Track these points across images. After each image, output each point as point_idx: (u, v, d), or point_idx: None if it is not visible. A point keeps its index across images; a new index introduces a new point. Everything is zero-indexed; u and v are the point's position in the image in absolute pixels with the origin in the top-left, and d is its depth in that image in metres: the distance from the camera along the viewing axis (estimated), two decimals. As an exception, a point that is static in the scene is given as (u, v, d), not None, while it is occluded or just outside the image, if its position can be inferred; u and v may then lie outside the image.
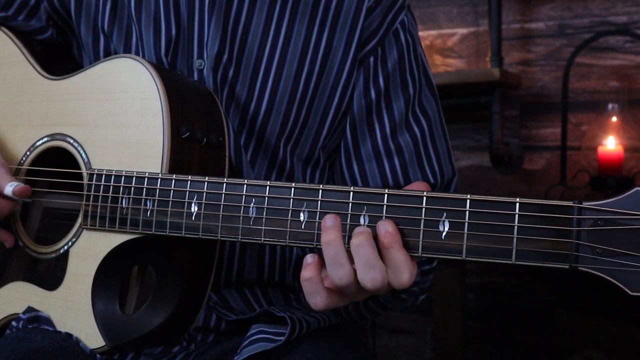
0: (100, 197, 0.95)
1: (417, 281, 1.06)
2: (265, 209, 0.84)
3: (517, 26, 2.24)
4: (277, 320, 0.95)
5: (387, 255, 0.76)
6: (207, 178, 0.88)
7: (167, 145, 0.92)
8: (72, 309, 0.98)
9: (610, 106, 2.05)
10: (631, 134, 2.03)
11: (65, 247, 1.00)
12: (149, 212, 0.91)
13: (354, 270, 0.78)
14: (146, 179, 0.92)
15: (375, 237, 0.77)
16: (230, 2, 1.04)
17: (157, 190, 0.91)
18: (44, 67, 1.10)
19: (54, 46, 1.18)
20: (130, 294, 0.96)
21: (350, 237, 0.78)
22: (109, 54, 1.10)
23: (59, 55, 1.17)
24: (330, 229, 0.79)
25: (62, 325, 0.98)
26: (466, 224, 0.74)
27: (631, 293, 0.68)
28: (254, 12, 1.05)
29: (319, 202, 0.81)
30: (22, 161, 1.07)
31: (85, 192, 0.97)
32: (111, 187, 0.94)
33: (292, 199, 0.83)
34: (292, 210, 0.83)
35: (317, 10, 1.06)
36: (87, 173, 0.98)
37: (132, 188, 0.93)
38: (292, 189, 0.83)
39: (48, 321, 0.99)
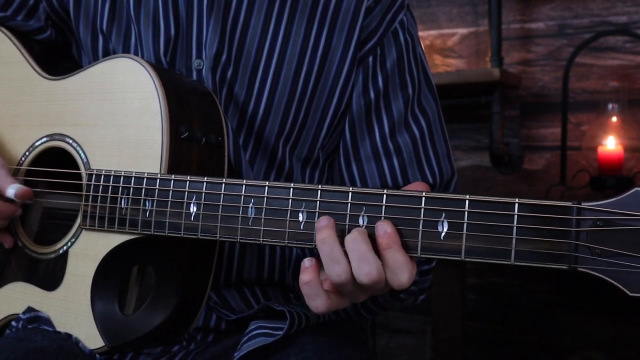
0: (99, 197, 0.95)
1: (416, 281, 1.06)
2: (264, 209, 0.84)
3: (517, 26, 2.24)
4: (276, 316, 0.95)
5: (386, 256, 0.76)
6: (205, 178, 0.88)
7: (166, 145, 0.92)
8: (71, 309, 0.98)
9: (610, 106, 2.05)
10: (631, 134, 2.03)
11: (65, 248, 1.00)
12: (147, 213, 0.91)
13: (351, 266, 0.78)
14: (145, 179, 0.92)
15: (372, 237, 0.77)
16: (228, 2, 1.04)
17: (156, 190, 0.90)
18: (43, 67, 1.10)
19: (53, 46, 1.18)
20: (130, 294, 0.96)
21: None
22: (107, 53, 1.10)
23: (58, 55, 1.17)
24: (324, 228, 0.79)
25: (61, 326, 0.98)
26: (465, 224, 0.74)
27: (630, 294, 0.68)
28: (253, 12, 1.05)
29: (318, 202, 0.81)
30: (21, 161, 1.07)
31: (84, 193, 0.97)
32: (110, 187, 0.94)
33: (290, 199, 0.83)
34: (290, 210, 0.82)
35: (316, 10, 1.06)
36: (86, 173, 0.98)
37: (131, 188, 0.92)
38: (291, 189, 0.83)
39: (48, 321, 0.99)
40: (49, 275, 1.01)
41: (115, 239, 0.94)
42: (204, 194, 0.88)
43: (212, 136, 0.96)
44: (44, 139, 1.05)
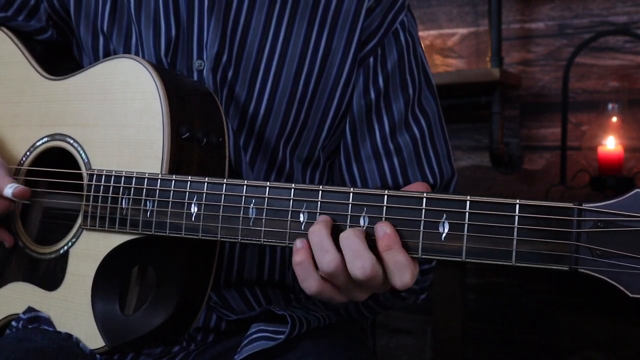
0: (100, 197, 0.95)
1: (417, 280, 1.06)
2: (265, 209, 0.84)
3: (517, 26, 2.24)
4: (277, 319, 0.95)
5: (387, 257, 0.76)
6: (206, 179, 0.88)
7: (167, 145, 0.92)
8: (72, 310, 0.98)
9: (610, 106, 2.05)
10: (631, 134, 2.03)
11: (65, 248, 1.00)
12: (148, 213, 0.91)
13: (341, 257, 0.78)
14: (146, 179, 0.92)
15: (373, 239, 0.77)
16: (229, 3, 1.04)
17: (157, 190, 0.90)
18: (44, 67, 1.10)
19: (54, 46, 1.18)
20: (130, 294, 0.96)
21: None
22: (108, 54, 1.10)
23: (59, 56, 1.17)
24: (316, 223, 0.80)
25: (62, 326, 0.98)
26: (466, 225, 0.74)
27: (631, 295, 0.68)
28: (254, 13, 1.05)
29: (319, 203, 0.81)
30: (22, 161, 1.07)
31: (85, 193, 0.97)
32: (111, 187, 0.94)
33: (291, 200, 0.83)
34: (291, 211, 0.83)
35: (316, 11, 1.06)
36: (87, 173, 0.98)
37: (132, 188, 0.92)
38: (292, 189, 0.83)
39: (48, 321, 0.99)
40: (50, 275, 1.01)
41: (116, 239, 0.94)
42: (205, 194, 0.88)
43: (213, 137, 0.96)
44: (45, 139, 1.05)
